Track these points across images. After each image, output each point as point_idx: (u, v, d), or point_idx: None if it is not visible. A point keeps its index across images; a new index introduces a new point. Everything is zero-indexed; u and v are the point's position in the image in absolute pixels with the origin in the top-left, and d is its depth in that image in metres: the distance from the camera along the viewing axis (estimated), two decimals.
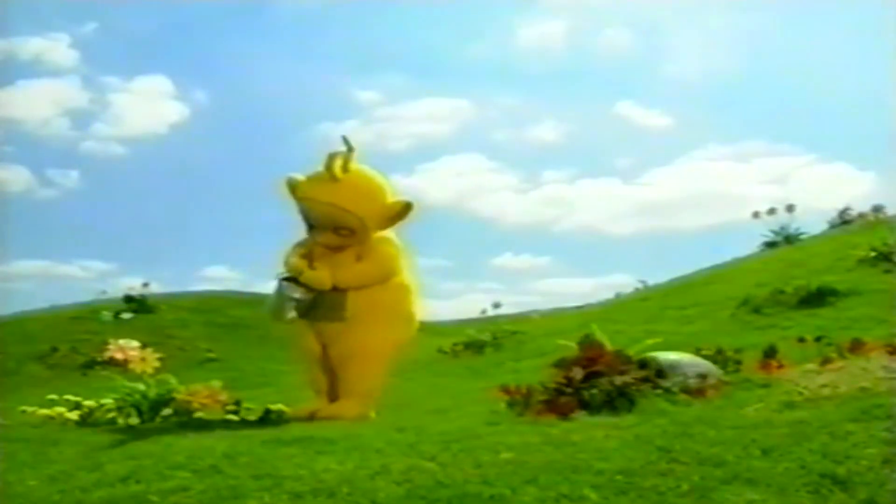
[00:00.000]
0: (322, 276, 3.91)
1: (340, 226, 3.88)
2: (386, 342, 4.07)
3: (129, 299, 12.47)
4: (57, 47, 20.41)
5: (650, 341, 3.83)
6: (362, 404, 3.98)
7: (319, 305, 3.94)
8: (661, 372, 3.27)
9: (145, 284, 13.04)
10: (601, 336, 3.50)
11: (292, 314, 3.91)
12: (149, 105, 19.97)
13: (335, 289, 3.91)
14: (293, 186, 3.95)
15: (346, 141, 3.90)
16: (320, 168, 3.89)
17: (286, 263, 3.97)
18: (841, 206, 11.60)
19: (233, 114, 21.76)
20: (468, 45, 23.02)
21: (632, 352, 3.44)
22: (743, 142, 21.14)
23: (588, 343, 3.32)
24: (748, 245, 11.75)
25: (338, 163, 3.83)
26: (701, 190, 20.12)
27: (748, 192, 19.27)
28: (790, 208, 11.59)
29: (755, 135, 22.13)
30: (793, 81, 20.92)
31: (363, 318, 3.96)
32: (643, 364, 3.37)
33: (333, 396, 4.08)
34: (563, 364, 3.25)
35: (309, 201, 3.92)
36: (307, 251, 4.05)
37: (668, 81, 21.58)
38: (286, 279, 3.90)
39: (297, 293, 3.89)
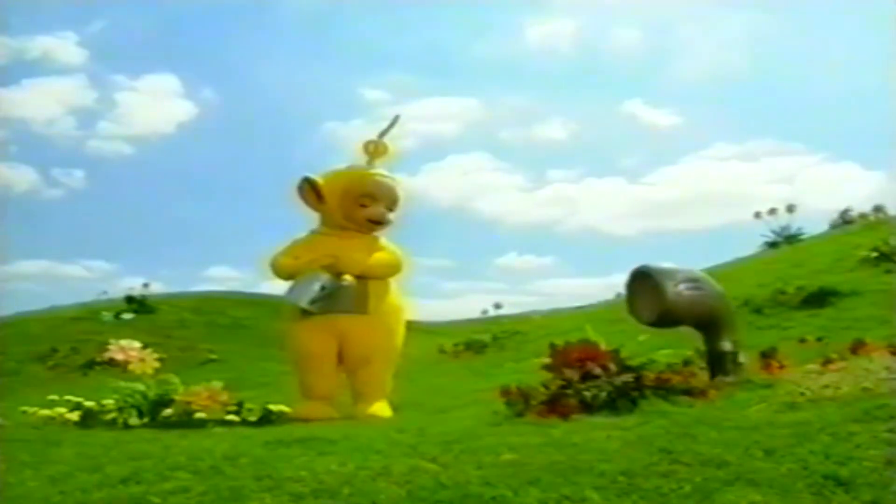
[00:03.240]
0: (357, 258, 4.04)
1: (395, 199, 4.25)
2: (399, 340, 4.19)
3: (129, 300, 12.47)
4: (65, 45, 20.45)
5: (641, 337, 3.83)
6: (387, 403, 4.07)
7: (343, 298, 3.98)
8: (654, 279, 3.29)
9: (146, 285, 13.06)
10: (596, 338, 3.49)
11: (315, 301, 3.91)
12: (156, 104, 19.95)
13: (359, 278, 4.04)
14: (347, 171, 4.24)
15: (394, 120, 4.34)
16: (336, 163, 4.38)
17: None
18: (842, 206, 11.60)
19: (240, 113, 21.81)
20: (476, 44, 23.09)
21: (629, 352, 3.43)
22: (751, 141, 21.18)
23: (557, 351, 3.29)
24: (750, 245, 11.76)
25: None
26: (707, 189, 20.12)
27: (754, 192, 19.31)
28: (791, 208, 11.58)
29: (764, 134, 22.20)
30: (802, 80, 20.95)
31: (381, 315, 4.05)
32: (638, 272, 3.37)
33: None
34: (553, 367, 3.23)
35: (374, 175, 4.22)
36: (308, 247, 4.12)
37: (677, 80, 21.62)
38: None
39: (325, 279, 3.94)
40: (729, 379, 3.25)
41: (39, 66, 20.14)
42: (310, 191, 4.16)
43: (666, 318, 3.34)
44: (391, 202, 4.24)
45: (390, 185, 4.26)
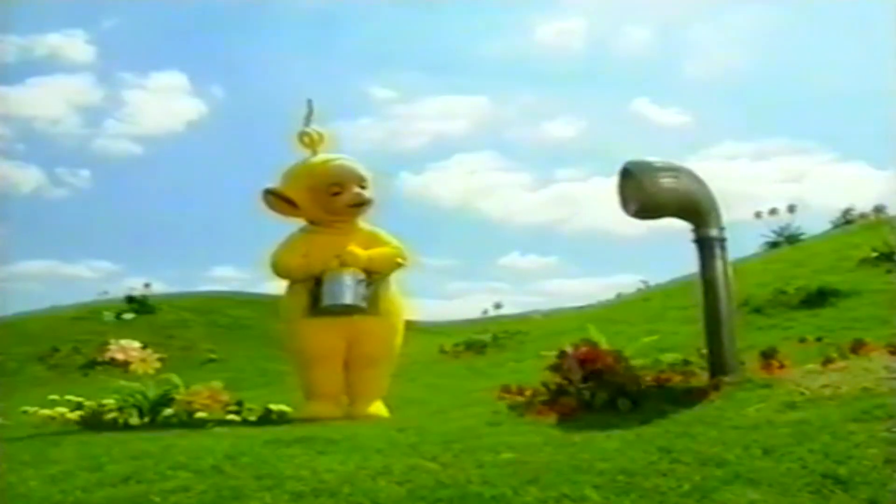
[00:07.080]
0: (359, 252, 3.95)
1: (363, 177, 4.10)
2: (400, 339, 4.16)
3: (130, 300, 12.48)
4: (73, 43, 20.38)
5: (647, 339, 3.83)
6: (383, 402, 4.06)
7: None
8: (634, 174, 3.33)
9: (147, 285, 13.04)
10: (598, 337, 3.49)
11: (366, 298, 3.88)
12: (164, 102, 19.83)
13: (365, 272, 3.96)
14: (302, 167, 4.08)
15: (309, 104, 4.24)
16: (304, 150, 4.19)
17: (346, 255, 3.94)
18: (844, 206, 11.56)
19: (248, 111, 21.62)
20: (485, 42, 23.02)
21: (629, 352, 3.44)
22: (760, 140, 21.07)
23: (566, 355, 3.29)
24: (750, 245, 11.74)
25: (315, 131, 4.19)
26: (715, 189, 19.96)
27: (764, 191, 19.14)
28: (791, 208, 11.57)
29: (773, 133, 22.11)
30: (812, 79, 20.81)
31: (389, 315, 4.03)
32: (622, 170, 3.39)
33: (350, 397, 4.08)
34: (556, 367, 3.24)
35: (332, 161, 4.10)
36: (307, 244, 4.05)
37: (686, 79, 21.51)
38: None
39: (357, 274, 3.88)
40: (728, 378, 3.26)
41: (47, 64, 20.08)
42: (278, 201, 4.04)
43: (648, 208, 3.40)
44: (361, 181, 4.09)
45: (351, 165, 4.13)
